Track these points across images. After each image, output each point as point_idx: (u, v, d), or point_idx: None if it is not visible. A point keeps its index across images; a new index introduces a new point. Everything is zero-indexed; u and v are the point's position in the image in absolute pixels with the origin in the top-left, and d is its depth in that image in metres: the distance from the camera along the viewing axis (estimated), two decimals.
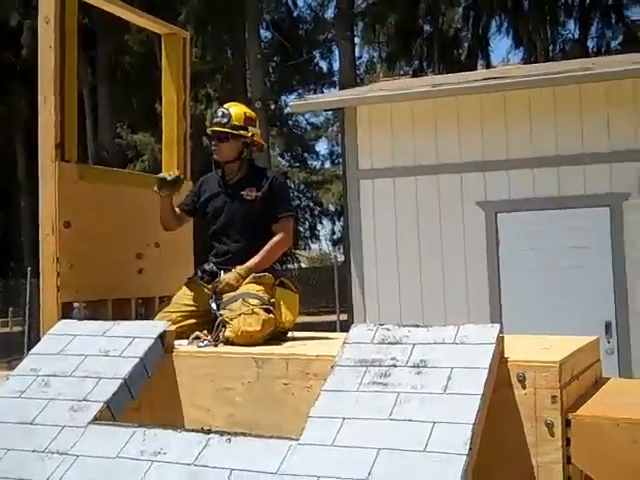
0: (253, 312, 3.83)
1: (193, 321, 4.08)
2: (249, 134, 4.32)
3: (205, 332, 3.89)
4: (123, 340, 3.52)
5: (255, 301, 3.91)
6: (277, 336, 3.93)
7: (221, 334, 3.83)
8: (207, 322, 3.98)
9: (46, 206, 4.21)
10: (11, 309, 22.53)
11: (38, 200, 4.30)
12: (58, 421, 3.10)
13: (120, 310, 4.45)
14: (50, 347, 3.61)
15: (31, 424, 3.13)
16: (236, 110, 4.36)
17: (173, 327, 3.74)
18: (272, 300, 3.98)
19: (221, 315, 3.90)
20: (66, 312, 4.12)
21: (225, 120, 4.29)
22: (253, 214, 4.24)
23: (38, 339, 3.78)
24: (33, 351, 3.64)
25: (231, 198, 4.31)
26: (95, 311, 4.32)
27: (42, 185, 4.25)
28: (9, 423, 3.17)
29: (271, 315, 3.88)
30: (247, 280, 4.06)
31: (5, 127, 27.28)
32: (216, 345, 3.77)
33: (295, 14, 30.79)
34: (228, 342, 3.79)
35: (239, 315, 3.83)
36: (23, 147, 27.24)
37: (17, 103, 25.67)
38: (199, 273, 4.24)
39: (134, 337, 3.53)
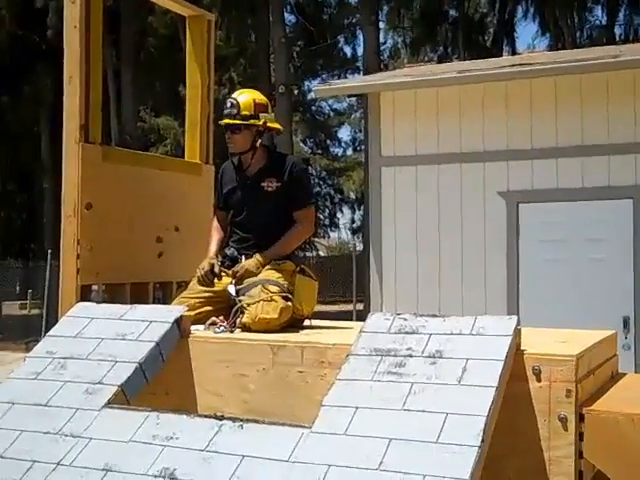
0: (272, 299, 3.83)
1: (211, 308, 4.06)
2: (261, 121, 4.22)
3: (222, 318, 3.90)
4: (140, 324, 3.53)
5: (274, 288, 3.90)
6: (294, 324, 3.93)
7: (238, 320, 3.83)
8: (225, 308, 3.98)
9: (69, 187, 4.23)
10: (30, 291, 22.72)
11: (61, 182, 4.31)
12: (72, 404, 3.12)
13: (138, 294, 4.46)
14: (67, 330, 3.63)
15: (46, 406, 3.15)
16: (245, 98, 4.24)
17: (190, 312, 3.75)
18: (291, 288, 3.98)
19: (240, 301, 3.90)
20: (85, 295, 4.14)
21: (235, 111, 4.19)
22: (274, 204, 4.19)
23: (56, 322, 3.81)
24: (50, 333, 3.67)
25: (251, 190, 4.24)
26: (113, 294, 4.33)
27: (65, 166, 4.27)
28: (24, 404, 3.19)
29: (289, 303, 3.88)
30: (267, 267, 4.06)
31: (30, 108, 27.45)
32: (232, 331, 3.78)
33: None
34: (245, 328, 3.80)
35: (257, 302, 3.83)
36: (47, 128, 27.39)
37: (42, 84, 25.82)
38: (219, 258, 4.22)
39: (151, 321, 3.54)
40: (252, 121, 4.20)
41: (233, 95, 4.31)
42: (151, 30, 26.82)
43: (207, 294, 4.15)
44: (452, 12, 28.16)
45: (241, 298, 3.92)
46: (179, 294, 4.27)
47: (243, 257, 4.14)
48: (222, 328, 3.80)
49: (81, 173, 4.22)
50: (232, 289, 4.01)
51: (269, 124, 4.28)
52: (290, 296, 3.93)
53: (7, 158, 28.86)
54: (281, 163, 4.27)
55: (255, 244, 4.17)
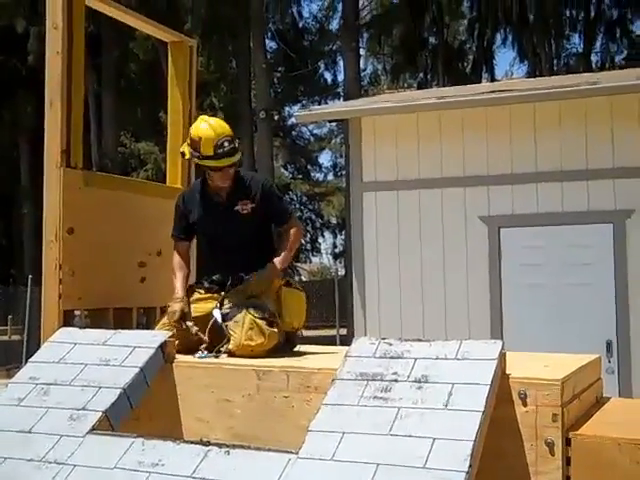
0: (256, 325, 3.81)
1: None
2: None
3: (206, 339, 3.88)
4: (124, 349, 3.51)
5: (258, 313, 3.88)
6: (282, 347, 3.90)
7: (224, 347, 3.81)
8: (208, 331, 3.95)
9: (50, 212, 4.21)
10: (10, 317, 22.48)
11: (41, 207, 4.29)
12: (56, 430, 3.09)
13: (121, 319, 4.43)
14: (50, 355, 3.60)
15: (29, 432, 3.12)
16: (229, 130, 4.15)
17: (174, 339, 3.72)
18: (277, 306, 3.97)
19: (226, 327, 3.88)
20: (67, 320, 4.11)
21: (233, 146, 4.08)
22: (252, 225, 4.17)
23: (37, 348, 3.77)
24: (33, 359, 3.63)
25: (226, 214, 4.16)
26: (96, 319, 4.30)
27: (47, 191, 4.25)
28: (7, 431, 3.15)
29: (274, 329, 3.86)
30: (253, 285, 4.02)
31: (9, 133, 27.34)
32: (217, 357, 3.76)
33: (300, 25, 30.88)
34: (230, 354, 3.78)
35: (242, 328, 3.80)
36: (27, 153, 27.28)
37: (22, 109, 25.74)
38: (205, 284, 4.18)
39: (135, 346, 3.51)
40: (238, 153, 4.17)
41: (219, 131, 4.09)
42: (132, 56, 26.88)
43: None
44: (432, 39, 28.44)
45: (227, 324, 3.89)
46: (162, 319, 4.23)
47: (230, 280, 4.08)
48: (206, 353, 3.79)
49: (62, 198, 4.20)
50: (217, 314, 3.98)
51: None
52: (277, 320, 3.91)
53: None
54: (250, 184, 4.21)
55: (241, 265, 4.12)
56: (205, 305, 4.11)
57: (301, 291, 4.21)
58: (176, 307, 4.05)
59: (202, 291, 4.18)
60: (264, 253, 4.16)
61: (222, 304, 4.02)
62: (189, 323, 4.00)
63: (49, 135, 4.28)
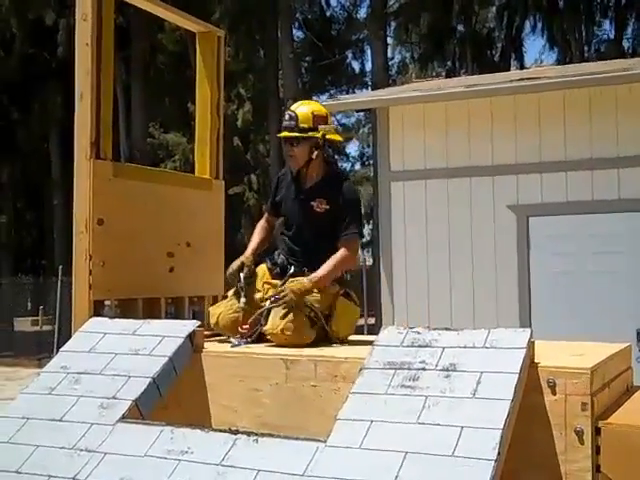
0: (298, 321, 3.79)
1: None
2: (319, 134, 4.13)
3: (246, 326, 3.89)
4: (153, 339, 3.54)
5: (305, 310, 3.85)
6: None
7: (259, 330, 3.83)
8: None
9: (80, 203, 4.24)
10: (42, 308, 22.78)
11: (71, 199, 4.32)
12: (87, 418, 3.12)
13: (150, 309, 4.47)
14: (81, 345, 3.64)
15: (60, 421, 3.15)
16: (303, 110, 4.18)
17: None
18: (331, 311, 3.95)
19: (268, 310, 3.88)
20: (97, 310, 4.15)
21: (293, 123, 4.14)
22: (322, 225, 4.13)
23: (68, 338, 3.81)
24: (64, 348, 3.67)
25: (301, 206, 4.19)
26: (126, 310, 4.33)
27: (77, 182, 4.28)
28: (39, 419, 3.20)
29: (313, 330, 3.84)
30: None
31: (40, 125, 27.62)
32: (249, 341, 3.78)
33: (328, 14, 30.82)
34: (262, 335, 3.80)
35: (284, 317, 3.80)
36: (57, 145, 27.56)
37: (52, 101, 25.99)
38: (268, 264, 4.18)
39: (164, 336, 3.54)
40: (310, 134, 4.14)
41: (292, 107, 4.26)
42: (161, 47, 27.00)
43: (244, 308, 4.06)
44: (460, 27, 28.24)
45: (272, 306, 3.88)
46: (219, 304, 4.22)
47: (292, 267, 4.08)
48: (237, 342, 3.81)
49: (92, 189, 4.22)
50: (268, 305, 3.96)
51: (328, 136, 4.19)
52: (320, 321, 3.88)
53: (18, 175, 29.02)
54: (336, 185, 4.17)
55: (302, 258, 4.12)
56: (266, 290, 4.10)
57: (357, 305, 4.18)
58: (236, 262, 4.14)
59: (264, 268, 4.19)
60: (329, 257, 4.10)
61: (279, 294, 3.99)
62: (242, 276, 4.05)
63: (79, 127, 4.31)
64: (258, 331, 3.87)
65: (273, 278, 4.15)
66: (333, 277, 4.06)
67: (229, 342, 3.92)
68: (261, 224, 4.52)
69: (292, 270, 4.08)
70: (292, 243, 4.24)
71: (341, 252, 4.07)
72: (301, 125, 4.14)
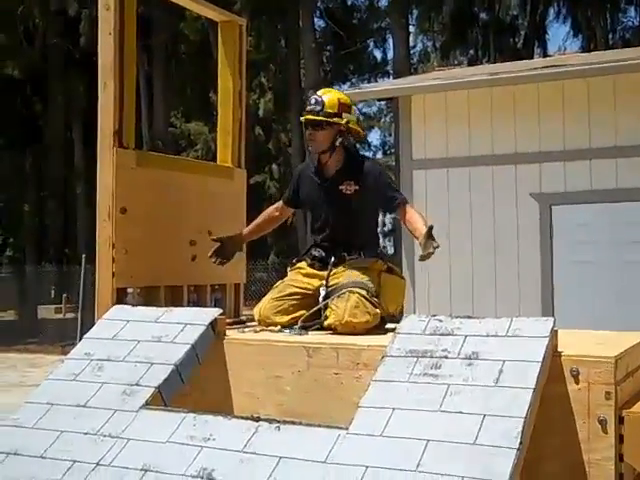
0: (362, 304, 3.81)
1: (304, 311, 4.00)
2: (343, 121, 4.15)
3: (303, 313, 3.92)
4: (175, 326, 3.55)
5: (363, 292, 3.87)
6: (381, 326, 3.89)
7: (322, 322, 3.84)
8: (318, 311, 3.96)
9: (103, 192, 4.26)
10: (65, 296, 22.96)
11: (94, 188, 4.35)
12: (111, 405, 3.15)
13: (173, 297, 4.49)
14: (104, 332, 3.67)
15: (84, 407, 3.18)
16: (330, 97, 4.20)
17: (285, 317, 3.96)
18: (378, 289, 3.95)
19: (326, 304, 3.89)
20: (120, 298, 4.17)
21: (318, 108, 4.14)
22: (353, 207, 4.14)
23: (91, 325, 3.84)
24: (87, 335, 3.70)
25: (329, 192, 4.19)
26: (148, 297, 4.36)
27: (100, 171, 4.30)
28: (63, 405, 3.22)
29: (377, 310, 3.86)
30: (354, 268, 4.01)
31: (63, 115, 27.79)
32: (307, 332, 3.78)
33: (349, 2, 30.72)
34: (331, 329, 3.80)
35: (346, 304, 3.80)
36: (80, 134, 27.72)
37: (75, 91, 26.14)
38: (308, 260, 4.19)
39: (186, 324, 3.56)
40: (335, 119, 4.14)
41: (318, 92, 4.26)
42: (182, 36, 27.03)
43: (299, 296, 4.09)
44: (482, 15, 28.04)
45: (329, 300, 3.90)
46: (270, 298, 4.18)
47: (333, 258, 4.08)
48: (294, 330, 3.82)
49: (115, 178, 4.24)
50: (322, 291, 3.99)
51: (351, 125, 4.20)
52: (378, 300, 3.89)
53: (41, 164, 29.23)
54: (359, 166, 4.21)
55: (342, 244, 4.12)
56: (310, 281, 4.12)
57: (402, 278, 4.20)
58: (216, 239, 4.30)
59: (304, 265, 4.19)
60: (365, 236, 4.16)
61: (327, 282, 4.01)
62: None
63: (102, 116, 4.33)
64: (316, 325, 3.87)
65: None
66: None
67: (252, 329, 3.93)
68: (269, 212, 4.56)
69: (333, 259, 4.08)
70: (325, 234, 4.23)
71: (410, 214, 4.09)
72: (327, 110, 4.14)
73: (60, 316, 22.63)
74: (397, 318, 3.92)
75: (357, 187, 4.14)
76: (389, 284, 4.05)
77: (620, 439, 2.76)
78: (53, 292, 25.72)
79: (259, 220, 4.60)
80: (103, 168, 4.29)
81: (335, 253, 4.11)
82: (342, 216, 4.17)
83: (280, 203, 4.59)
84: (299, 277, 4.19)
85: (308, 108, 4.20)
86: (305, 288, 4.11)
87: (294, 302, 4.08)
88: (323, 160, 4.26)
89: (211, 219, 4.78)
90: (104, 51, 4.33)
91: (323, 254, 4.16)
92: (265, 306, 4.11)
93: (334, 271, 4.05)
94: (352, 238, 4.13)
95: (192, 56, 28.22)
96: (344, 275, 4.01)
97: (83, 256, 17.11)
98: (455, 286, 8.19)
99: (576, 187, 7.83)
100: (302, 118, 4.26)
